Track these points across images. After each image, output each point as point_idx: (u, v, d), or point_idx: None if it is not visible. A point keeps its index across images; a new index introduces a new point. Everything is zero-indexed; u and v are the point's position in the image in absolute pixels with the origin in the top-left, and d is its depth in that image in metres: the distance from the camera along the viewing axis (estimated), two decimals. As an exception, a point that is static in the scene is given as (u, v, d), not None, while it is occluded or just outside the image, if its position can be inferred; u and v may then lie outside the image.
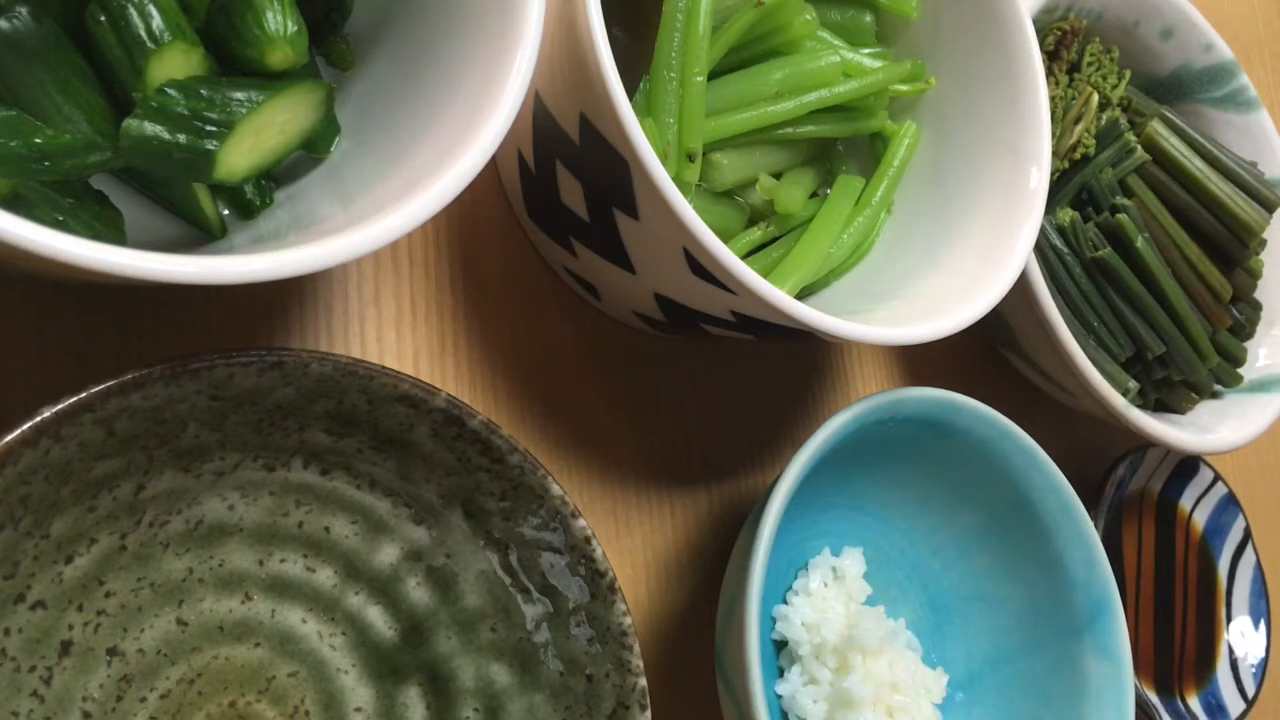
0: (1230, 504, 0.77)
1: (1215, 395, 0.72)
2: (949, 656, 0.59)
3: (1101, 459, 0.71)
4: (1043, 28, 0.66)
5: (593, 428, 0.54)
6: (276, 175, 0.44)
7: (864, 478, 0.57)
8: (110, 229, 0.37)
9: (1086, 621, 0.55)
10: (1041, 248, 0.63)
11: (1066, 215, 0.64)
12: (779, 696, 0.53)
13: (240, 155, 0.38)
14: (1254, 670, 0.75)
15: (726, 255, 0.41)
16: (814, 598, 0.54)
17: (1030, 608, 0.57)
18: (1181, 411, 0.70)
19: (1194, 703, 0.72)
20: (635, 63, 0.48)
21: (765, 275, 0.48)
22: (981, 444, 0.55)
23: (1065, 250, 0.64)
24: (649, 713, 0.43)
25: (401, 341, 0.49)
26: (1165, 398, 0.69)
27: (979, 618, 0.59)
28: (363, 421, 0.41)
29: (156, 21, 0.36)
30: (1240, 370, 0.71)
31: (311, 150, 0.43)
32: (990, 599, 0.59)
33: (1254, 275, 0.71)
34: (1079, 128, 0.65)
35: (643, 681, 0.43)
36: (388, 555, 0.44)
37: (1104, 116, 0.67)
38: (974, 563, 0.59)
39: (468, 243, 0.52)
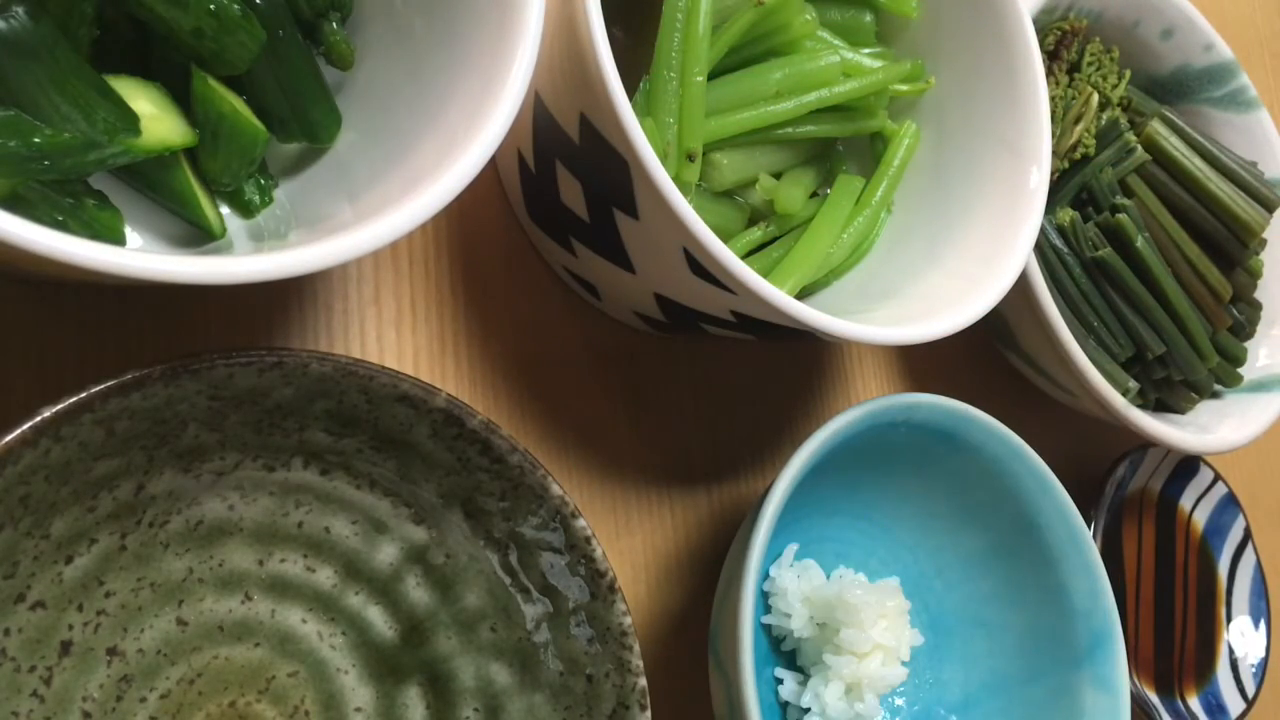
0: (1230, 504, 0.77)
1: (1215, 395, 0.72)
2: (945, 679, 0.58)
3: (1101, 459, 0.71)
4: (1043, 28, 0.66)
5: (592, 428, 0.54)
6: (277, 170, 0.44)
7: (873, 486, 0.57)
8: (110, 229, 0.37)
9: (1086, 652, 0.55)
10: (1041, 248, 0.63)
11: (1066, 215, 0.64)
12: (778, 681, 0.53)
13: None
14: (1254, 670, 0.75)
15: (726, 255, 0.41)
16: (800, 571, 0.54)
17: (1031, 635, 0.56)
18: (1181, 411, 0.69)
19: (1194, 703, 0.72)
20: (635, 63, 0.48)
21: (765, 275, 0.48)
22: (993, 462, 0.54)
23: (1065, 250, 0.64)
24: (649, 713, 0.43)
25: (401, 341, 0.49)
26: (1165, 398, 0.69)
27: (979, 642, 0.58)
28: (363, 421, 0.41)
29: None
30: (1240, 370, 0.71)
31: (313, 140, 0.43)
32: (991, 624, 0.58)
33: (1254, 275, 0.71)
34: (1079, 128, 0.65)
35: (643, 681, 0.43)
36: (388, 555, 0.44)
37: (1104, 116, 0.67)
38: (977, 586, 0.58)
39: (468, 243, 0.52)
